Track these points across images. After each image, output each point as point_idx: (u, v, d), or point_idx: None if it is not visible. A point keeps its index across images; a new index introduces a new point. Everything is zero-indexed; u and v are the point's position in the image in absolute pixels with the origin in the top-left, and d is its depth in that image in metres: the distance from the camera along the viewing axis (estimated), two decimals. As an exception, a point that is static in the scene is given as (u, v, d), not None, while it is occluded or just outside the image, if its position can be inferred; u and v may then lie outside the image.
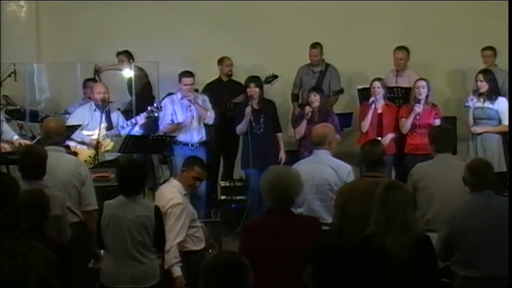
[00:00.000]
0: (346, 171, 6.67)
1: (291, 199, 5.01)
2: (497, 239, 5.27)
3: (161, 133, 9.36)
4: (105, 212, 5.83)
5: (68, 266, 5.50)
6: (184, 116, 9.33)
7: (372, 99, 9.23)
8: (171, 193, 6.44)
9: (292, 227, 4.93)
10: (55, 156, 6.39)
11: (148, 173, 10.09)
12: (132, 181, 5.83)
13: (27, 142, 8.55)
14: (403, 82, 10.07)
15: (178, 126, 9.34)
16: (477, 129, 9.14)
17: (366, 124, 9.17)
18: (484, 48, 10.03)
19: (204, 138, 9.41)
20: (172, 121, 9.38)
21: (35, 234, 4.68)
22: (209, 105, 9.46)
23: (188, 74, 9.37)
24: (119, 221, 5.74)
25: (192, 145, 9.27)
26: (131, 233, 5.72)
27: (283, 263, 4.78)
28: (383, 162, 6.12)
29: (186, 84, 9.25)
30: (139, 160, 6.73)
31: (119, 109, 9.90)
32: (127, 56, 10.42)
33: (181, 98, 9.36)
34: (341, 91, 10.14)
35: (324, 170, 6.58)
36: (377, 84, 9.26)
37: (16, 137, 8.77)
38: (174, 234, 6.27)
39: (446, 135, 6.75)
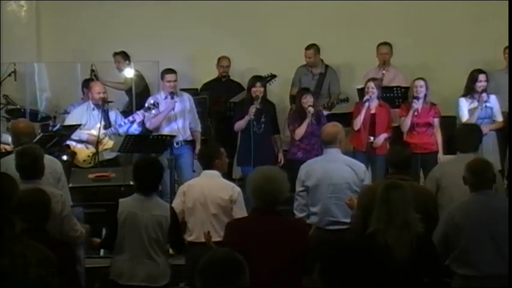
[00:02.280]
0: (362, 169, 6.73)
1: (276, 199, 5.02)
2: (496, 238, 5.28)
3: (151, 129, 9.27)
4: (121, 209, 5.85)
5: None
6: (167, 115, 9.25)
7: (366, 97, 9.25)
8: (228, 183, 6.62)
9: (277, 228, 4.94)
10: None
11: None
12: (149, 179, 5.88)
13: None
14: (390, 76, 10.15)
15: (161, 116, 9.17)
16: (485, 129, 9.15)
17: (358, 122, 9.17)
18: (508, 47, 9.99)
19: (190, 138, 9.33)
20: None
21: (36, 234, 4.68)
22: (193, 104, 9.39)
23: (171, 70, 9.34)
24: (137, 219, 5.79)
25: (177, 143, 9.16)
26: (148, 232, 5.78)
27: (268, 262, 4.77)
28: (410, 165, 6.11)
29: (169, 81, 9.19)
30: (155, 158, 6.78)
31: (117, 109, 9.89)
32: (123, 56, 10.44)
33: (165, 98, 9.27)
34: (346, 100, 10.14)
35: (342, 169, 6.55)
36: (371, 84, 9.28)
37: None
38: None
39: (468, 135, 6.73)
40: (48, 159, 6.69)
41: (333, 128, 6.96)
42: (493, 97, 9.21)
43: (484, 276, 5.27)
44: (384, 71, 10.20)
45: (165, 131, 9.20)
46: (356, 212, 5.98)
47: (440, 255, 5.36)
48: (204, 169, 6.66)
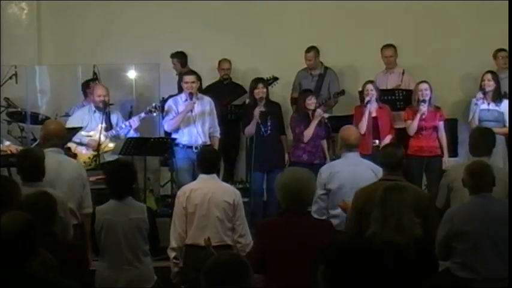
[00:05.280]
0: (381, 172, 6.66)
1: (305, 200, 5.08)
2: (495, 241, 5.29)
3: (169, 131, 9.23)
4: (98, 217, 5.81)
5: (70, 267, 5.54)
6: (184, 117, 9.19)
7: (366, 99, 9.23)
8: (229, 186, 6.72)
9: (306, 228, 5.00)
10: (57, 158, 6.42)
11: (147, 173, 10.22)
12: (122, 182, 5.80)
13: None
14: (393, 79, 10.15)
15: (179, 118, 9.08)
16: None
17: (363, 125, 9.13)
18: (500, 50, 9.97)
19: (209, 142, 9.22)
20: None
21: (46, 237, 4.67)
22: (214, 109, 9.32)
23: (191, 72, 9.30)
24: (115, 226, 5.73)
25: (196, 148, 8.99)
26: (126, 237, 5.73)
27: (296, 264, 4.83)
28: (402, 165, 6.06)
29: (187, 82, 9.10)
30: (126, 160, 6.70)
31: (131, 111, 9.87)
32: (180, 57, 10.42)
33: (185, 100, 9.17)
34: (342, 93, 10.14)
35: (366, 173, 6.49)
36: (370, 86, 9.26)
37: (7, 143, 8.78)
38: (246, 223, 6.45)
39: (481, 139, 6.69)
40: (75, 164, 6.76)
41: (357, 131, 6.99)
42: (505, 101, 9.17)
43: (484, 279, 5.27)
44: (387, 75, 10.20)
45: (184, 133, 9.14)
46: (349, 214, 5.96)
47: (441, 257, 5.38)
48: (206, 172, 6.50)
